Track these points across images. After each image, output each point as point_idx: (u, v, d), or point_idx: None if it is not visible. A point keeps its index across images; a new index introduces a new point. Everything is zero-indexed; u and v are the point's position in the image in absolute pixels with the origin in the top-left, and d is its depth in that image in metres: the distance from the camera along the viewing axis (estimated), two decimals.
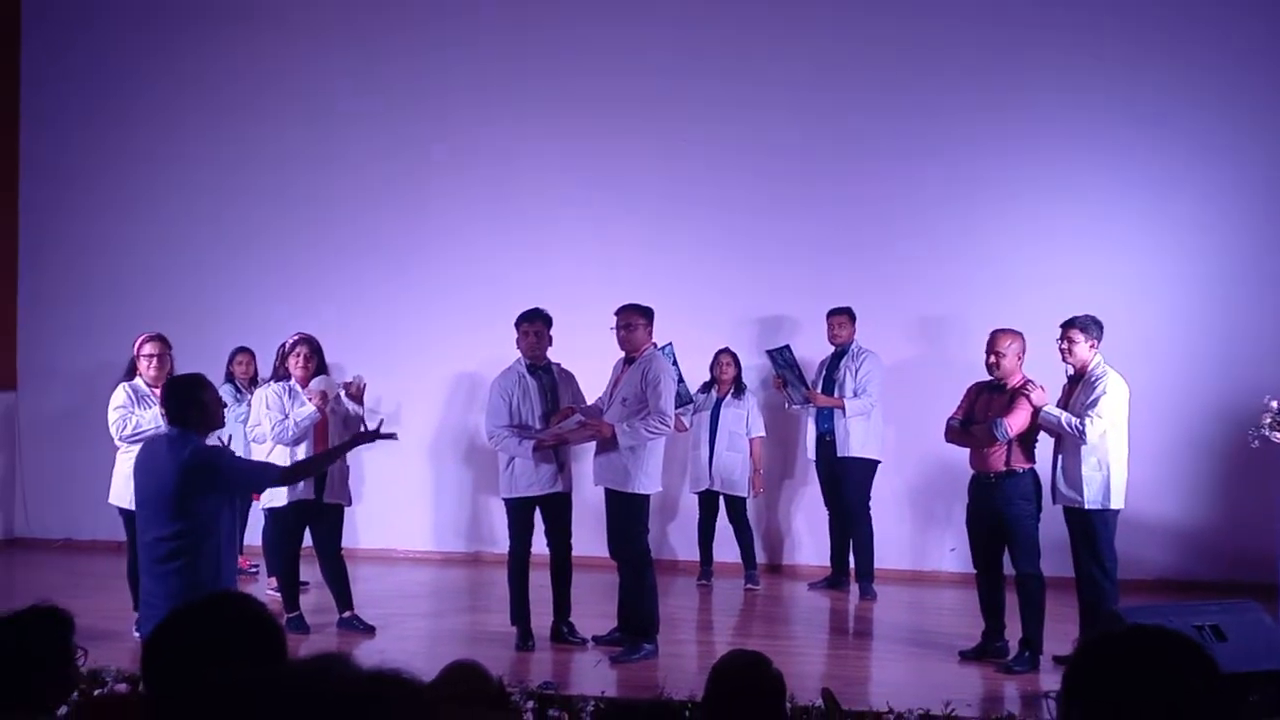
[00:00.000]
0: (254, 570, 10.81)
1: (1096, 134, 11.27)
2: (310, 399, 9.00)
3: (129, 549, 8.13)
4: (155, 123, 12.51)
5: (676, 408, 9.13)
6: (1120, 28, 11.31)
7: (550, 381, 8.80)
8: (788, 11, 11.79)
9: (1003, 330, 8.40)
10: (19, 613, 3.94)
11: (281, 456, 8.93)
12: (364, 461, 11.55)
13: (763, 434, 10.97)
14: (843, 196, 11.60)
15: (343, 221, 12.20)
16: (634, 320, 8.53)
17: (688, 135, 11.75)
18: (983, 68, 11.46)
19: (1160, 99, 11.21)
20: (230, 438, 9.71)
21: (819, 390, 10.66)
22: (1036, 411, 8.21)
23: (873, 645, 9.36)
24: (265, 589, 9.88)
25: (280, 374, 9.18)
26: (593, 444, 8.73)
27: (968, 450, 8.52)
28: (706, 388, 10.95)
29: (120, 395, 8.63)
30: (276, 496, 8.95)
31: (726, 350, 10.94)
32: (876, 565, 10.61)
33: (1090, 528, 8.24)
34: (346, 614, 9.19)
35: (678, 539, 11.66)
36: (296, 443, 8.96)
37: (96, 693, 6.82)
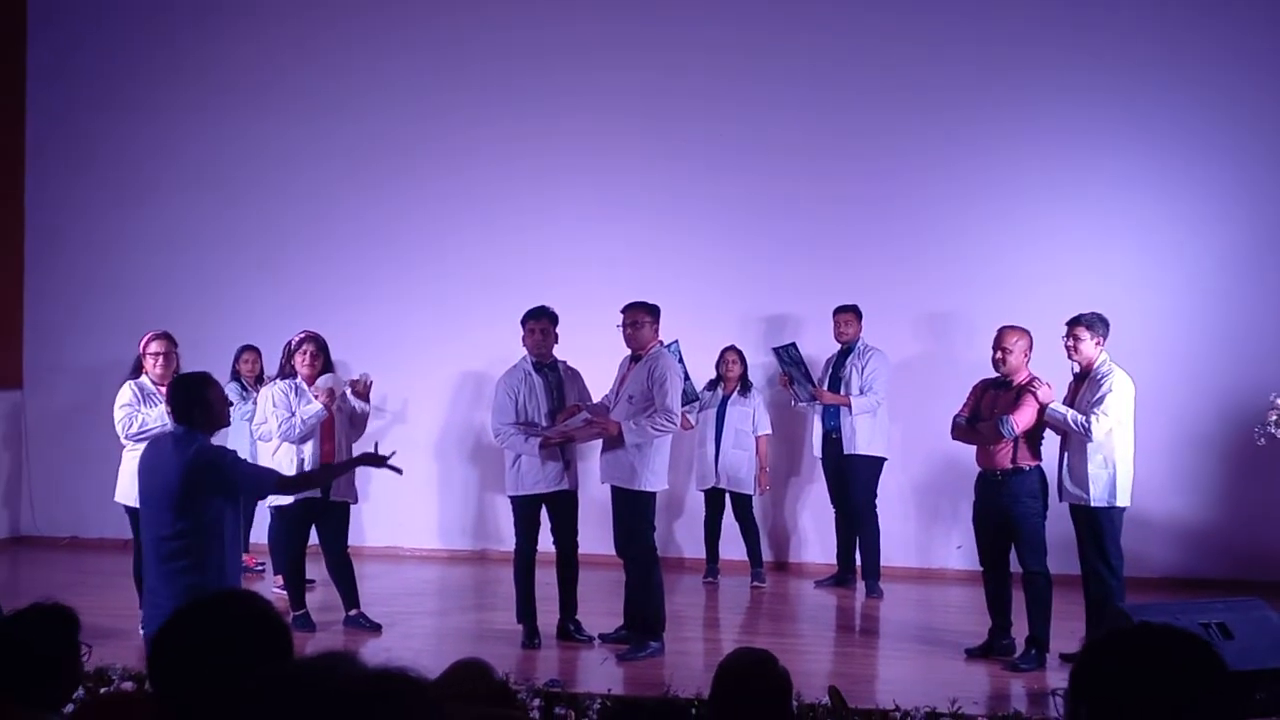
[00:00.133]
0: (260, 568, 10.82)
1: (1100, 132, 11.25)
2: (317, 396, 9.00)
3: (135, 547, 8.13)
4: (160, 121, 12.52)
5: (683, 405, 9.12)
6: (1123, 26, 11.29)
7: (556, 379, 8.80)
8: (791, 10, 11.78)
9: (1010, 327, 8.39)
10: (24, 610, 3.95)
11: (288, 454, 8.96)
12: None
13: (769, 432, 10.96)
14: (848, 194, 11.59)
15: (348, 219, 12.20)
16: (640, 318, 8.53)
17: (693, 133, 11.74)
18: (987, 66, 11.45)
19: (1164, 97, 11.19)
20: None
21: (825, 388, 10.64)
22: (1043, 409, 8.20)
23: (879, 643, 9.36)
24: (271, 587, 9.88)
25: (286, 372, 9.18)
26: (599, 441, 8.72)
27: (974, 448, 8.51)
28: (712, 385, 10.95)
29: (126, 393, 8.63)
30: (283, 494, 8.94)
31: (732, 348, 10.94)
32: (883, 563, 10.60)
33: (1096, 525, 8.23)
34: (353, 612, 9.19)
35: (684, 537, 11.66)
36: (303, 440, 8.97)
37: (103, 691, 6.82)
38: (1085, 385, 8.32)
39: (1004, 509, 8.26)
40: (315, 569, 9.58)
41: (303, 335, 9.26)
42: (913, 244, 11.48)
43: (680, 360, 9.86)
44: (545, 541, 8.89)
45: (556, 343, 8.83)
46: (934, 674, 8.03)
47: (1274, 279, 11.05)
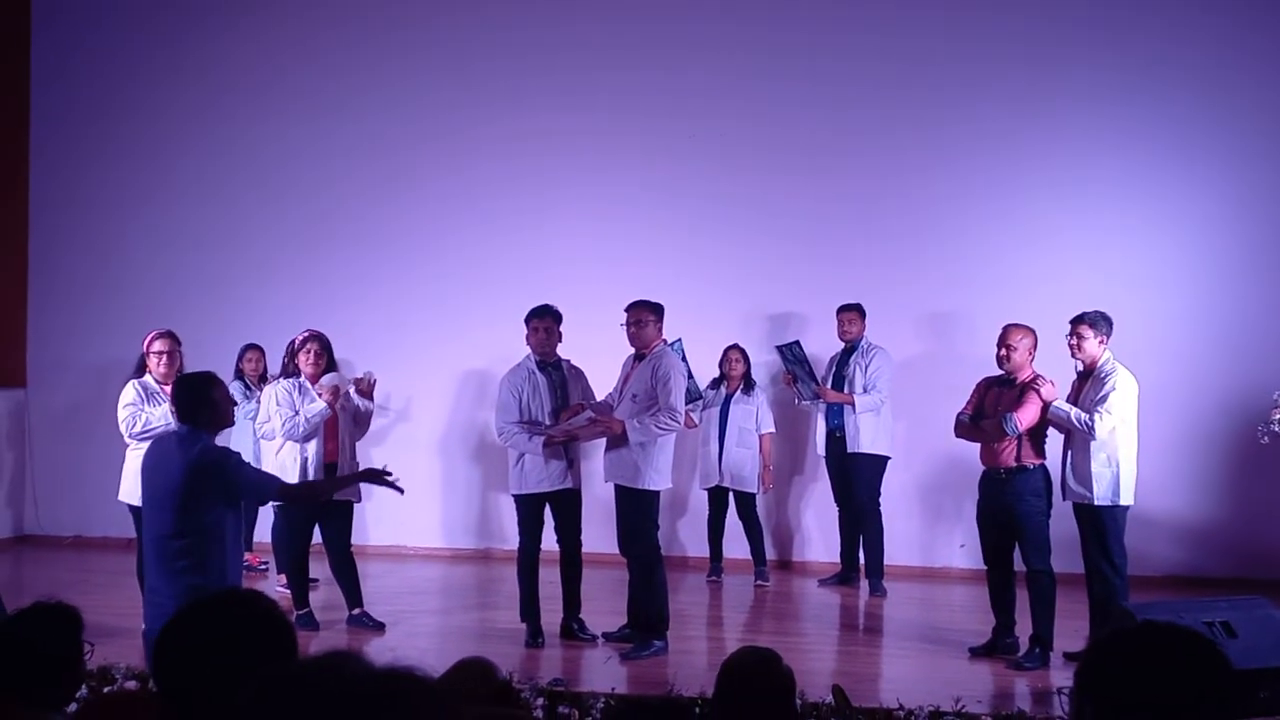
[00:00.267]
0: (264, 567, 10.82)
1: (1103, 131, 11.25)
2: (320, 394, 8.99)
3: (138, 546, 8.12)
4: (163, 120, 12.54)
5: (686, 404, 9.12)
6: (1125, 25, 11.28)
7: (560, 378, 8.79)
8: (793, 9, 11.78)
9: (1015, 325, 8.38)
10: (28, 609, 3.96)
11: (291, 452, 8.96)
12: (373, 458, 11.52)
13: (772, 430, 10.96)
14: (852, 193, 11.59)
15: (352, 218, 12.20)
16: (644, 317, 8.53)
17: (695, 132, 11.73)
18: (990, 65, 11.44)
19: (1166, 95, 11.18)
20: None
21: (829, 386, 10.65)
22: (1046, 406, 8.20)
23: (883, 642, 9.34)
24: (275, 586, 9.89)
25: (290, 371, 9.18)
26: (603, 440, 8.72)
27: (978, 446, 8.50)
28: (716, 384, 10.95)
29: (130, 392, 8.62)
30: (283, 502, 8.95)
31: (736, 346, 10.94)
32: (886, 561, 10.61)
33: (1100, 524, 8.22)
34: (356, 611, 9.19)
35: (688, 535, 11.66)
36: (307, 439, 8.97)
37: (106, 690, 6.82)
38: (1088, 383, 8.31)
39: (1008, 507, 8.25)
40: (319, 568, 9.58)
41: (306, 334, 9.26)
42: (916, 243, 11.48)
43: (684, 359, 9.86)
44: (549, 540, 8.89)
45: (560, 341, 8.83)
46: (938, 673, 8.02)
47: (1277, 277, 11.03)
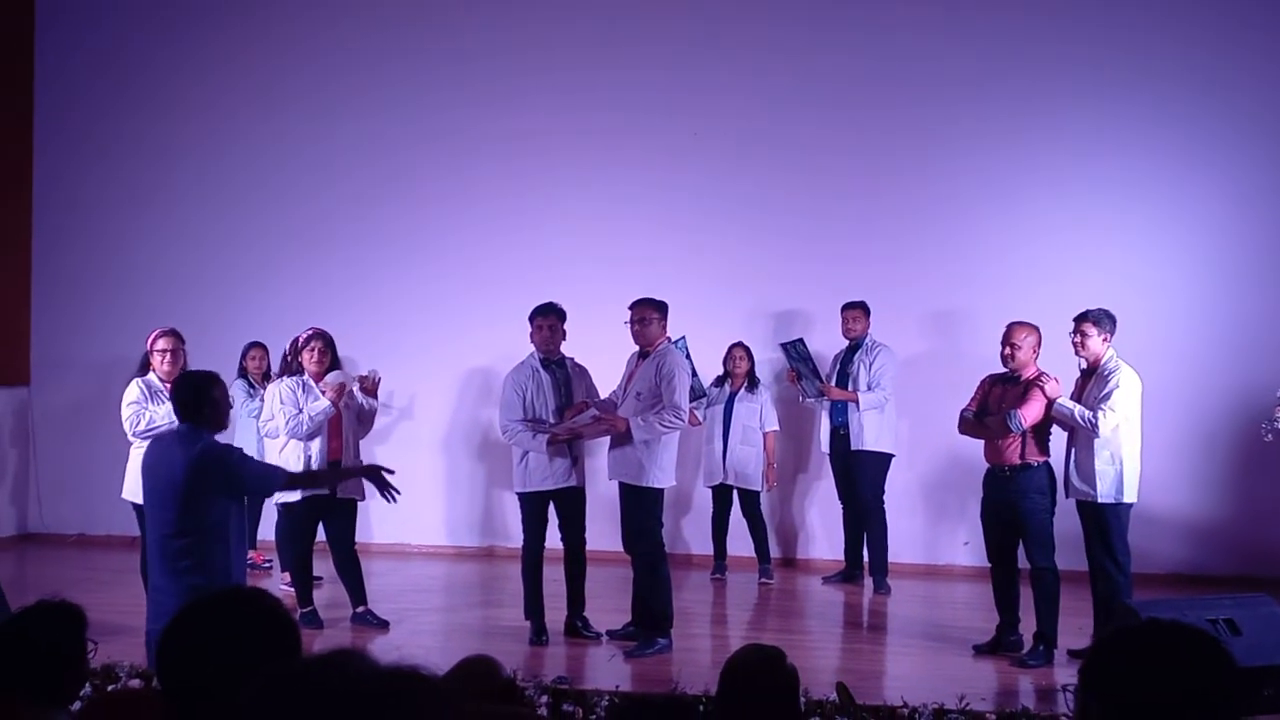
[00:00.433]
0: (268, 565, 10.83)
1: (1107, 130, 11.24)
2: (324, 392, 8.99)
3: (142, 544, 8.12)
4: (166, 120, 12.54)
5: (690, 402, 9.12)
6: (1130, 24, 11.28)
7: (564, 376, 8.79)
8: (798, 7, 11.77)
9: (1019, 323, 8.38)
10: (31, 607, 3.96)
11: (295, 450, 8.95)
12: (376, 456, 11.55)
13: (776, 428, 10.96)
14: (856, 191, 11.59)
15: (355, 217, 12.21)
16: (648, 314, 8.52)
17: (701, 130, 11.73)
18: (995, 64, 11.44)
19: (1173, 94, 11.18)
20: None
21: (833, 384, 10.64)
22: (1051, 404, 8.19)
23: (887, 639, 9.34)
24: (279, 584, 9.89)
25: (293, 369, 9.18)
26: (607, 438, 8.72)
27: (981, 444, 8.49)
28: (720, 382, 10.95)
29: (134, 390, 8.62)
30: (290, 492, 8.95)
31: (740, 344, 10.94)
32: (890, 559, 10.61)
33: (1103, 521, 8.22)
34: (360, 609, 9.19)
35: (692, 533, 11.66)
36: (311, 437, 8.97)
37: (110, 688, 6.83)
38: (1092, 381, 8.31)
39: (1012, 505, 8.24)
40: (323, 566, 9.58)
41: (310, 332, 9.26)
42: (919, 241, 11.48)
43: (688, 356, 9.85)
44: (553, 538, 8.88)
45: (564, 339, 8.83)
46: (942, 670, 8.02)
47: None
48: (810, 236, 11.59)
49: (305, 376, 9.11)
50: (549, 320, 8.73)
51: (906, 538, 11.11)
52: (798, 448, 11.63)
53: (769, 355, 11.28)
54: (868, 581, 10.66)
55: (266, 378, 10.59)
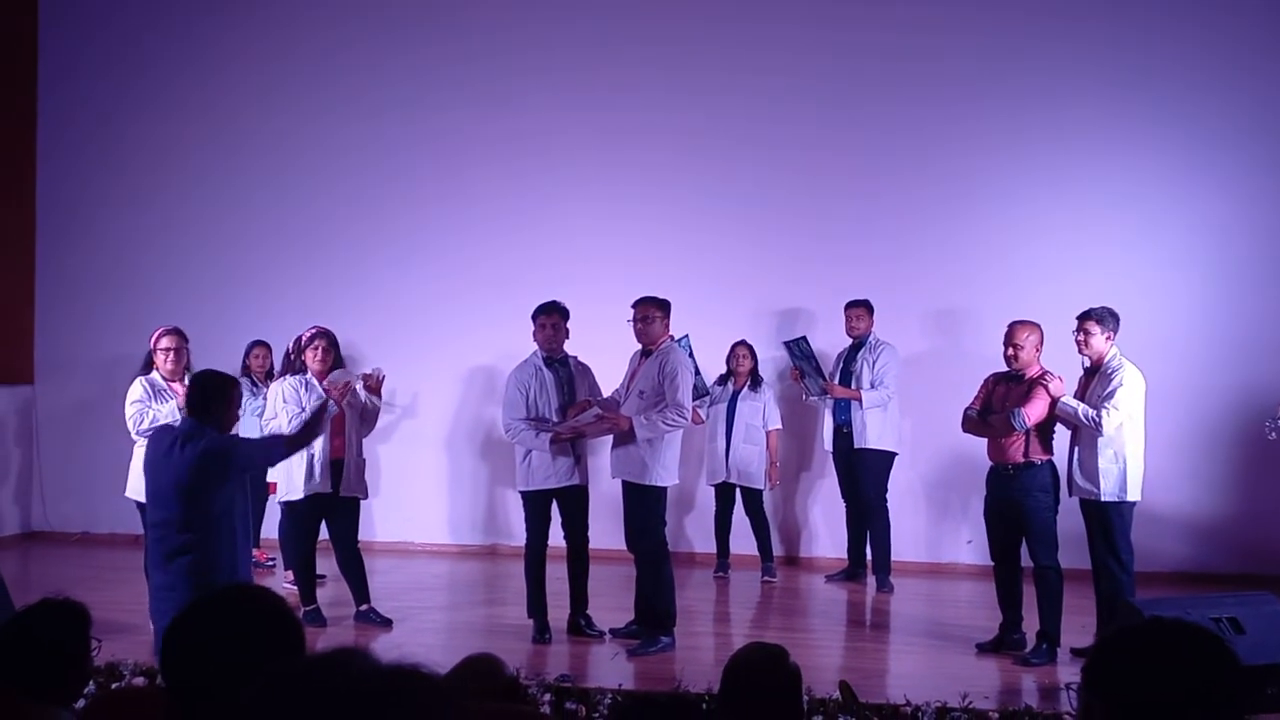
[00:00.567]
0: (271, 563, 10.84)
1: (1111, 129, 11.24)
2: (328, 390, 8.98)
3: (146, 542, 8.14)
4: (170, 120, 12.54)
5: (693, 400, 9.12)
6: (1138, 21, 11.27)
7: (567, 374, 8.79)
8: (802, 6, 11.76)
9: (1021, 322, 8.37)
10: (35, 605, 3.96)
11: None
12: (380, 455, 11.59)
13: (779, 426, 10.96)
14: (859, 189, 11.58)
15: (358, 216, 12.21)
16: (651, 313, 8.52)
17: (704, 129, 11.73)
18: (998, 63, 11.43)
19: (1176, 91, 11.18)
20: None
21: (836, 382, 10.64)
22: (1054, 402, 8.18)
23: (890, 638, 9.35)
24: (282, 582, 9.89)
25: (296, 367, 9.18)
26: (610, 437, 8.72)
27: (985, 442, 8.49)
28: (723, 380, 10.95)
29: (137, 389, 8.62)
30: (293, 490, 8.95)
31: (743, 342, 10.93)
32: (893, 558, 10.61)
33: (1107, 520, 8.21)
34: (363, 607, 9.19)
35: (694, 531, 11.66)
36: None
37: (114, 686, 6.83)
38: (1095, 380, 8.30)
39: (1015, 503, 8.24)
40: (326, 564, 9.58)
41: (314, 331, 9.26)
42: (923, 239, 11.47)
43: (691, 355, 9.85)
44: (556, 536, 8.89)
45: (567, 338, 8.82)
46: (945, 669, 8.02)
47: None
48: (813, 235, 11.59)
49: (308, 375, 9.11)
50: (552, 319, 8.73)
51: (909, 536, 11.12)
52: (801, 446, 11.63)
53: (772, 353, 11.27)
54: (870, 580, 10.66)
55: (269, 376, 10.59)
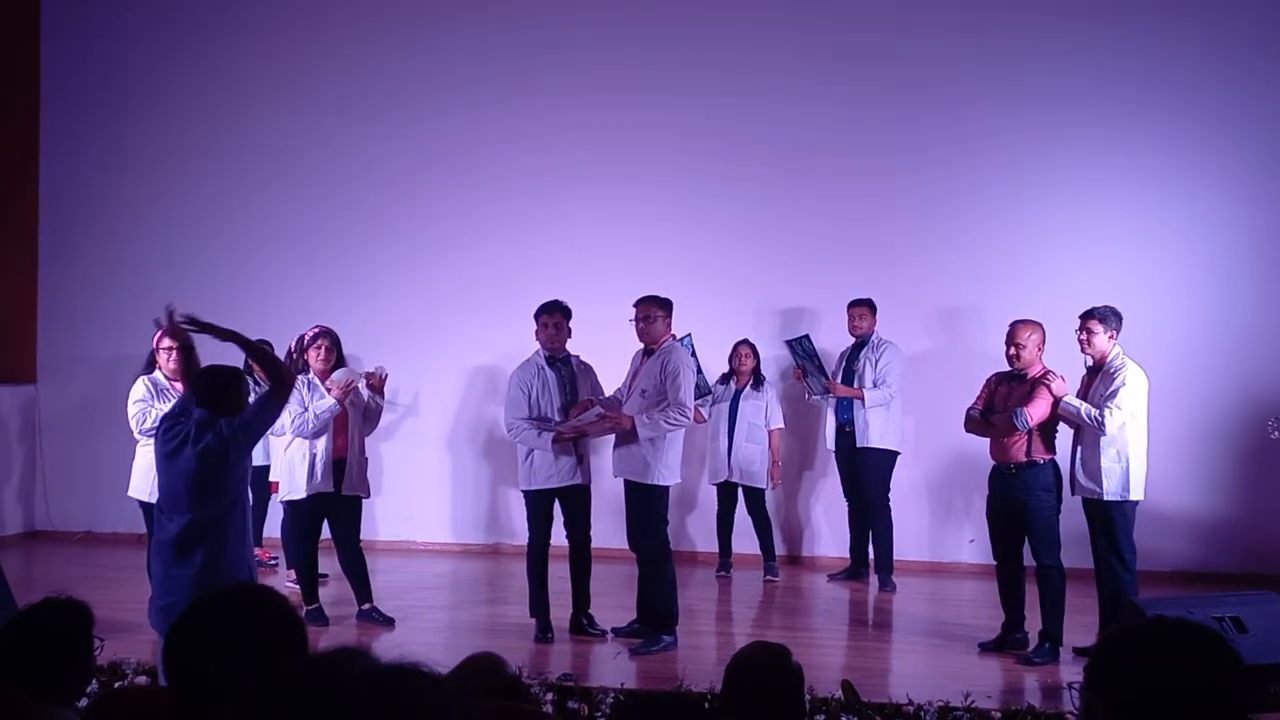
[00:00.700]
0: (273, 562, 10.84)
1: (1113, 128, 11.23)
2: (330, 390, 8.98)
3: (149, 541, 8.15)
4: (173, 120, 12.54)
5: (695, 399, 9.11)
6: (1141, 19, 11.26)
7: (569, 373, 8.79)
8: (805, 6, 11.76)
9: (1022, 321, 8.37)
10: (38, 604, 3.96)
11: (300, 448, 8.94)
12: (383, 454, 11.59)
13: (782, 425, 10.95)
14: (861, 189, 11.58)
15: (361, 216, 12.22)
16: (653, 312, 8.52)
17: (706, 128, 11.73)
18: (1000, 63, 11.43)
19: (1180, 90, 11.17)
20: None
21: (839, 381, 10.64)
22: (1057, 401, 8.18)
23: (892, 637, 9.36)
24: (284, 581, 9.90)
25: (299, 367, 9.18)
26: (612, 436, 8.72)
27: (987, 441, 8.49)
28: (725, 379, 10.94)
29: (140, 388, 8.63)
30: (295, 489, 8.95)
31: (745, 341, 10.93)
32: (896, 557, 10.60)
33: (1109, 519, 8.21)
34: (366, 606, 9.19)
35: (697, 530, 11.66)
36: (316, 435, 8.95)
37: (116, 685, 6.84)
38: (1098, 379, 8.29)
39: (1018, 502, 8.24)
40: (328, 563, 9.58)
41: (316, 330, 9.26)
42: (926, 239, 11.47)
43: (693, 354, 9.85)
44: (558, 535, 8.89)
45: (570, 337, 8.83)
46: (947, 668, 8.02)
47: None
48: (815, 234, 11.59)
49: (311, 374, 9.11)
50: (554, 318, 8.74)
51: (912, 535, 11.12)
52: (803, 445, 11.63)
53: (774, 352, 11.27)
54: (873, 579, 10.66)
55: None
